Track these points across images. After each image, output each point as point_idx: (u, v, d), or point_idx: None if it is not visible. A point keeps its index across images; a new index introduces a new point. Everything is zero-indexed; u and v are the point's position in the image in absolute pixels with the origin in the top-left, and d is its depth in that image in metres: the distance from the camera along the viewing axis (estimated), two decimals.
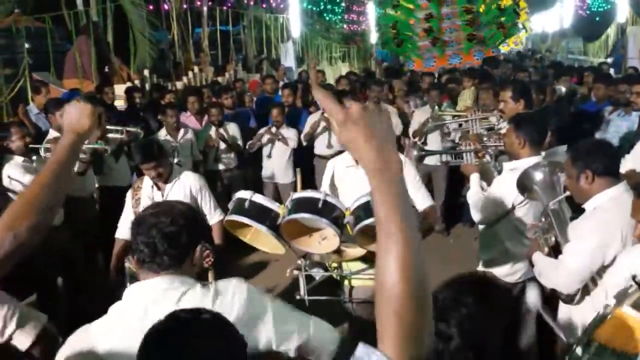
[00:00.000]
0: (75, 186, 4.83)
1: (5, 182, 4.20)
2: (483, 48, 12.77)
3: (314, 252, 3.08)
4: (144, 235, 1.72)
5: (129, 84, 8.73)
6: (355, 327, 3.64)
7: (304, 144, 6.63)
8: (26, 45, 8.46)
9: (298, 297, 3.04)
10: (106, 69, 9.31)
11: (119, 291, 3.17)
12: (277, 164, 6.47)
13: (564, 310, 2.81)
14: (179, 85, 9.54)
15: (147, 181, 4.06)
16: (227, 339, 1.29)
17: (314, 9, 17.77)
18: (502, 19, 12.75)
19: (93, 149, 4.63)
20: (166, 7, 10.89)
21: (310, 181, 6.35)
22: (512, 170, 3.27)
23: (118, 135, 5.12)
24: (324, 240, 2.98)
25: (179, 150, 5.85)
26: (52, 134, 5.00)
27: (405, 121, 6.88)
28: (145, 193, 4.00)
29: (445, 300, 1.63)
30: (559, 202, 2.73)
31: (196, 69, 10.55)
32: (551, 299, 2.93)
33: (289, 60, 12.47)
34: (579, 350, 2.15)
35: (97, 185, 5.49)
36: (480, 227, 3.65)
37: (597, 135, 5.23)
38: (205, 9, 11.80)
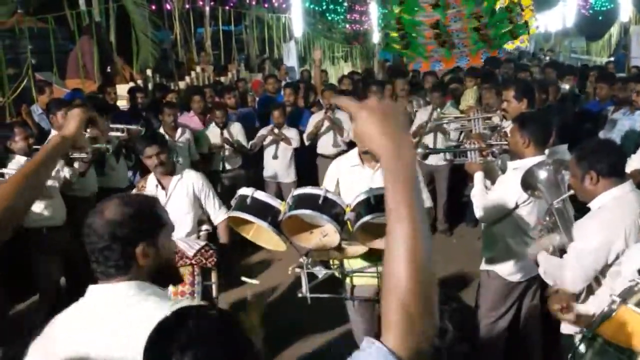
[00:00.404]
0: (76, 186, 4.84)
1: None
2: (489, 49, 12.75)
3: (315, 249, 3.08)
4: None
5: (131, 84, 8.74)
6: (356, 325, 3.64)
7: (307, 143, 6.63)
8: (29, 46, 8.48)
9: (300, 295, 3.04)
10: (108, 69, 9.32)
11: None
12: (279, 163, 6.47)
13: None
14: (182, 85, 9.55)
15: (151, 180, 4.07)
16: (232, 337, 1.28)
17: (317, 8, 17.77)
18: (512, 18, 12.74)
19: (96, 148, 4.64)
20: (168, 7, 10.90)
21: (312, 181, 6.36)
22: (516, 169, 3.27)
23: (119, 134, 5.14)
24: (325, 237, 2.98)
25: (177, 150, 5.84)
26: (54, 134, 5.01)
27: (410, 121, 6.87)
28: (149, 192, 4.01)
29: None
30: (563, 200, 2.72)
31: (199, 68, 10.56)
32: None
33: (291, 60, 12.45)
34: (582, 347, 2.15)
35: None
36: (484, 226, 3.65)
37: (601, 135, 5.21)
38: (207, 8, 11.81)
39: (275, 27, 14.31)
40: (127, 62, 9.82)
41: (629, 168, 3.26)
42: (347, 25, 20.24)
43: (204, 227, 4.29)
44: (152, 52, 10.10)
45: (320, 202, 2.81)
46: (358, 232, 2.84)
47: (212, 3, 12.09)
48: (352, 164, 3.60)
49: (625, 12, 16.80)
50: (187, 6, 11.35)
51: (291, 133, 6.46)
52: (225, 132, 6.25)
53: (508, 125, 3.93)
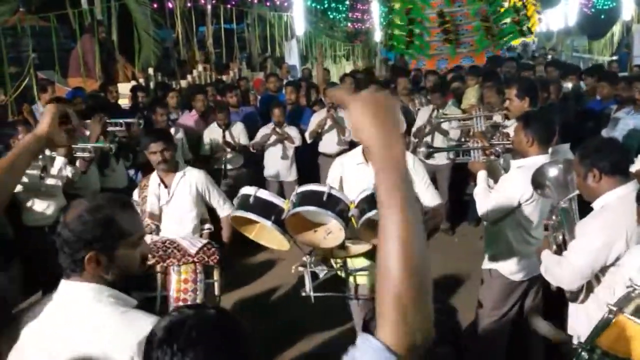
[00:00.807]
0: (79, 185, 4.85)
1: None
2: (493, 48, 12.74)
3: (319, 247, 3.08)
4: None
5: (133, 83, 8.75)
6: (359, 324, 3.65)
7: (309, 141, 6.63)
8: (31, 44, 8.49)
9: (304, 294, 3.04)
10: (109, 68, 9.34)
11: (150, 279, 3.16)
12: (280, 162, 6.47)
13: (572, 309, 2.80)
14: (184, 83, 9.55)
15: (153, 179, 4.07)
16: (231, 336, 1.29)
17: (318, 7, 17.77)
18: (518, 21, 12.74)
19: (98, 147, 4.65)
20: (170, 5, 10.89)
21: (314, 179, 6.36)
22: (519, 167, 3.27)
23: (118, 128, 5.16)
24: (329, 235, 2.98)
25: None
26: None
27: (410, 119, 6.86)
28: (152, 190, 4.01)
29: None
30: (570, 200, 2.71)
31: (200, 67, 10.56)
32: (558, 297, 2.92)
33: (292, 58, 12.44)
34: (584, 355, 2.15)
35: None
36: (486, 225, 3.65)
37: (604, 133, 5.21)
38: (209, 7, 11.80)
39: (277, 25, 14.30)
40: (129, 60, 9.83)
41: (633, 168, 3.26)
42: (349, 24, 20.24)
43: (207, 225, 4.29)
44: (154, 51, 10.11)
45: (324, 198, 2.81)
46: (362, 228, 2.84)
47: (213, 1, 12.08)
48: (357, 162, 3.59)
49: (628, 10, 16.75)
50: (188, 4, 11.34)
51: (292, 132, 6.47)
52: (227, 133, 6.25)
53: (511, 124, 3.92)
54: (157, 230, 3.95)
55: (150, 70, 9.52)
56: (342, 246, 3.08)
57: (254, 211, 2.91)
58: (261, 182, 6.40)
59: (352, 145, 5.84)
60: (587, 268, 2.57)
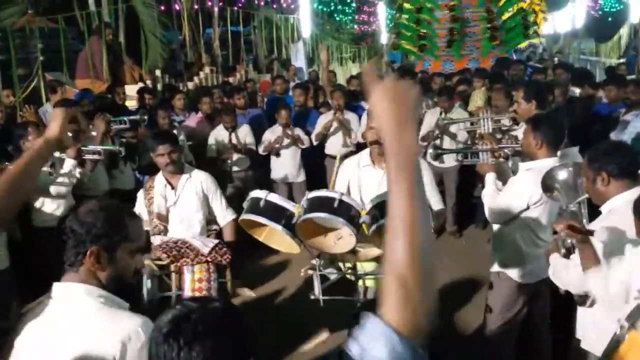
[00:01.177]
0: (88, 185, 4.87)
1: None
2: (498, 52, 12.72)
3: (329, 252, 3.08)
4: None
5: (140, 85, 8.78)
6: None
7: (315, 143, 6.63)
8: (39, 45, 8.54)
9: (312, 297, 3.04)
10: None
11: (136, 289, 3.19)
12: (288, 164, 6.48)
13: (580, 312, 2.79)
14: (190, 85, 9.58)
15: (159, 180, 4.08)
16: (236, 328, 1.29)
17: (325, 9, 17.78)
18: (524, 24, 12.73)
19: (107, 150, 4.67)
20: (177, 7, 10.93)
21: (321, 181, 6.36)
22: (528, 170, 3.26)
23: (122, 126, 5.19)
24: (339, 240, 2.98)
25: None
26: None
27: (419, 122, 6.87)
28: (158, 191, 4.02)
29: None
30: (579, 204, 2.70)
31: (207, 69, 10.59)
32: (566, 300, 2.91)
33: (299, 60, 12.46)
34: None
35: None
36: (494, 227, 3.64)
37: (612, 136, 5.19)
38: (216, 9, 11.83)
39: (284, 27, 14.33)
40: (136, 62, 9.86)
41: None
42: (355, 26, 20.24)
43: (213, 226, 4.31)
44: (161, 53, 10.14)
45: (335, 205, 2.81)
46: (374, 234, 2.83)
47: (220, 4, 12.11)
48: (364, 164, 3.60)
49: (635, 13, 16.65)
50: (195, 7, 11.38)
51: (299, 133, 6.47)
52: (233, 135, 6.25)
53: (520, 127, 3.92)
54: (165, 231, 3.97)
55: (158, 72, 9.56)
56: (352, 250, 3.07)
57: (264, 215, 2.91)
58: (268, 185, 6.41)
59: (359, 147, 5.84)
60: (594, 271, 2.55)
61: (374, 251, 3.07)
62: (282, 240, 3.04)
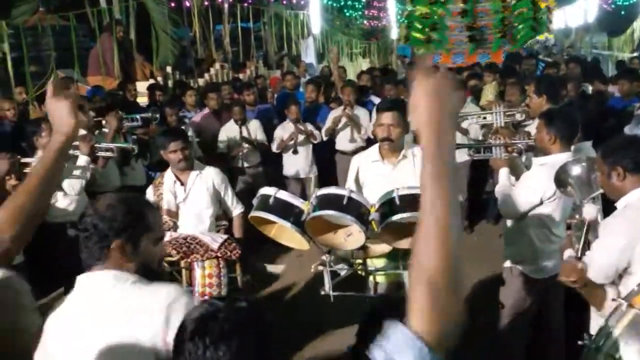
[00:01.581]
0: (99, 181, 4.89)
1: None
2: (508, 48, 12.62)
3: (339, 249, 3.08)
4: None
5: (151, 81, 8.81)
6: None
7: (325, 138, 6.62)
8: (50, 43, 8.60)
9: (323, 292, 3.04)
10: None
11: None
12: (300, 160, 6.46)
13: (594, 308, 2.76)
14: (201, 82, 9.60)
15: (168, 176, 4.10)
16: (263, 328, 1.29)
17: (334, 5, 17.74)
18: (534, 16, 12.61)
19: (120, 147, 4.69)
20: (187, 4, 10.95)
21: (331, 177, 6.35)
22: (542, 165, 3.24)
23: (134, 124, 5.21)
24: (349, 237, 2.98)
25: None
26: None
27: None
28: (167, 188, 4.04)
29: None
30: (593, 199, 2.68)
31: (218, 65, 10.60)
32: (579, 296, 2.88)
33: (309, 56, 12.45)
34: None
35: None
36: (507, 223, 3.62)
37: (627, 130, 5.13)
38: (226, 5, 11.85)
39: (294, 23, 14.31)
40: (147, 59, 9.90)
41: None
42: (365, 22, 20.17)
43: (222, 222, 4.33)
44: (171, 49, 10.17)
45: (344, 202, 2.81)
46: (383, 232, 2.83)
47: (230, 0, 12.13)
48: (373, 160, 3.59)
49: None
50: (206, 3, 11.39)
51: (310, 128, 6.47)
52: (244, 129, 6.25)
53: (533, 122, 3.89)
54: (175, 227, 3.99)
55: (168, 69, 9.59)
56: (363, 247, 3.07)
57: (274, 212, 2.92)
58: (279, 181, 6.40)
59: (370, 142, 5.82)
60: (610, 267, 2.53)
61: (384, 247, 3.06)
62: (292, 237, 3.05)
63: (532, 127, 3.99)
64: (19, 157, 3.90)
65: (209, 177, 4.12)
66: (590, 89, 6.83)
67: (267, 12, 13.98)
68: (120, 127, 5.09)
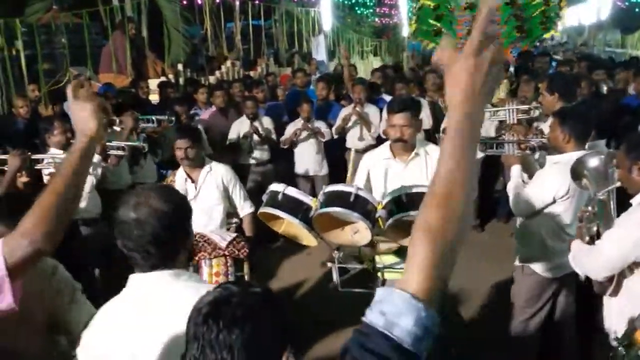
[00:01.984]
0: (111, 179, 4.92)
1: (46, 179, 4.28)
2: (519, 43, 12.54)
3: (346, 245, 3.08)
4: (129, 239, 1.63)
5: (163, 79, 8.85)
6: None
7: (335, 136, 6.62)
8: (64, 41, 8.66)
9: (332, 288, 3.05)
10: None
11: None
12: (311, 157, 6.46)
13: (605, 304, 2.75)
14: (212, 79, 9.62)
15: (179, 174, 4.13)
16: (276, 314, 1.29)
17: (346, 2, 17.69)
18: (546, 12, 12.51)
19: (131, 146, 4.71)
20: (199, 1, 10.97)
21: (342, 174, 6.35)
22: (555, 164, 3.22)
23: (150, 125, 5.24)
24: (356, 234, 2.98)
25: None
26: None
27: (440, 115, 6.80)
28: (179, 186, 4.06)
29: None
30: (609, 193, 2.65)
31: (229, 63, 10.62)
32: (591, 294, 2.87)
33: (320, 54, 12.45)
34: (621, 350, 2.11)
35: None
36: (518, 221, 3.60)
37: None
38: (237, 3, 11.86)
39: (305, 21, 14.29)
40: (159, 57, 9.94)
41: None
42: (377, 19, 20.10)
43: (234, 220, 4.34)
44: (183, 47, 10.20)
45: (351, 199, 2.81)
46: (389, 229, 2.82)
47: None
48: (384, 157, 3.58)
49: None
50: (217, 1, 11.41)
51: (320, 126, 6.46)
52: (255, 122, 6.27)
53: (546, 121, 3.86)
54: None
55: (180, 67, 9.62)
56: (371, 244, 3.07)
57: (282, 208, 2.93)
58: (290, 179, 6.40)
59: (380, 140, 5.81)
60: (618, 259, 2.51)
61: (393, 245, 3.06)
62: (301, 233, 3.06)
63: (546, 125, 3.97)
64: (30, 153, 3.93)
65: (219, 173, 4.14)
66: (605, 88, 6.76)
67: (278, 9, 13.97)
68: (136, 128, 5.11)
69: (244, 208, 4.23)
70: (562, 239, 3.27)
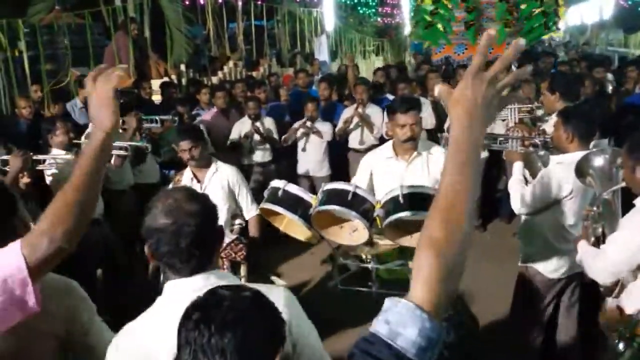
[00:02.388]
0: (113, 179, 4.92)
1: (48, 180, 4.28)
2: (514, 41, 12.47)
3: (345, 243, 3.08)
4: (167, 244, 1.58)
5: (166, 79, 8.86)
6: None
7: (338, 139, 6.61)
8: (67, 42, 8.68)
9: (331, 286, 3.05)
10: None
11: (156, 282, 3.21)
12: (312, 157, 6.46)
13: (610, 306, 2.73)
14: (215, 80, 9.63)
15: (186, 174, 4.13)
16: (267, 317, 1.29)
17: (348, 2, 17.67)
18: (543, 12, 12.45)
19: (134, 146, 4.71)
20: (201, 2, 10.98)
21: (345, 174, 6.34)
22: (559, 163, 3.20)
23: (154, 125, 5.24)
24: (354, 232, 2.99)
25: None
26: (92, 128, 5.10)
27: (442, 115, 6.79)
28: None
29: None
30: (613, 192, 2.64)
31: (231, 63, 10.62)
32: (596, 294, 2.86)
33: (322, 54, 12.42)
34: (621, 346, 2.10)
35: None
36: (522, 221, 3.58)
37: None
38: (239, 3, 11.85)
39: (307, 21, 14.28)
40: (162, 57, 9.95)
41: None
42: (379, 19, 20.08)
43: (237, 221, 4.33)
44: (185, 48, 10.20)
45: (349, 198, 2.82)
46: (387, 228, 2.82)
47: None
48: (386, 156, 3.59)
49: None
50: (219, 1, 11.41)
51: (325, 127, 6.44)
52: (257, 123, 6.27)
53: (549, 120, 3.86)
54: None
55: (182, 67, 9.63)
56: (370, 242, 3.07)
57: (282, 205, 2.95)
58: (292, 179, 6.39)
59: (382, 141, 5.80)
60: (622, 263, 2.49)
61: (391, 243, 3.06)
62: (301, 230, 3.06)
63: (549, 125, 3.96)
64: (32, 154, 3.93)
65: (225, 174, 4.13)
66: (610, 88, 6.74)
67: (280, 9, 13.96)
68: (140, 128, 5.11)
69: (251, 211, 4.22)
70: (565, 239, 3.25)
